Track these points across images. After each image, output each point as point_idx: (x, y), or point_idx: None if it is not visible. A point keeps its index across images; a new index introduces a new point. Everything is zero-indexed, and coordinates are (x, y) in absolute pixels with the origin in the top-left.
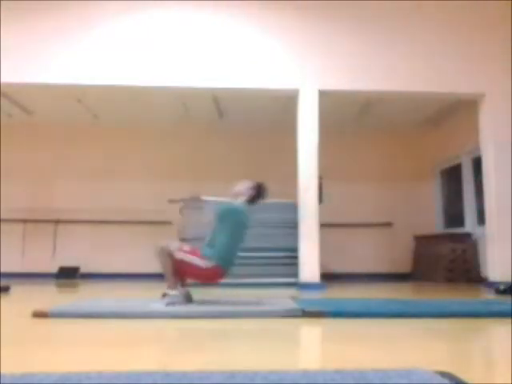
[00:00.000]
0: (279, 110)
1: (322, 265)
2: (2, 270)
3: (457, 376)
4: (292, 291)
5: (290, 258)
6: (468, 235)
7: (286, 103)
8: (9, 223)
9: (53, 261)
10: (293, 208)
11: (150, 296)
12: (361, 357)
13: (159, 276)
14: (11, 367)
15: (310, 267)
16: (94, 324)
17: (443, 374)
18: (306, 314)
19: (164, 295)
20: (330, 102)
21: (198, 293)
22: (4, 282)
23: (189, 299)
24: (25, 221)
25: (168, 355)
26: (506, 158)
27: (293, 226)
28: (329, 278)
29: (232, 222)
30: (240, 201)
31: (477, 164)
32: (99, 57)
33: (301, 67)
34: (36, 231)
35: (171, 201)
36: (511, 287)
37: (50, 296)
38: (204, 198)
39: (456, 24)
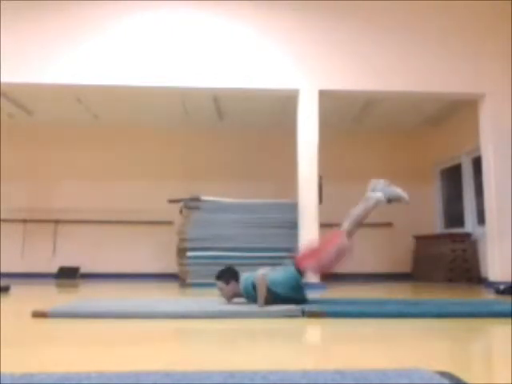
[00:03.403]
0: (279, 110)
1: None
2: (2, 270)
3: (457, 376)
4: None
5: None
6: (468, 235)
7: (286, 103)
8: (9, 223)
9: (53, 261)
10: (293, 208)
11: (150, 296)
12: (361, 357)
13: (159, 276)
14: (11, 367)
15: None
16: (94, 324)
17: (443, 374)
18: (306, 314)
19: None
20: (330, 102)
21: (198, 292)
22: (4, 282)
23: None
24: (25, 221)
25: (168, 355)
26: (506, 158)
27: (293, 226)
28: (329, 278)
29: None
30: None
31: (477, 164)
32: (99, 57)
33: (301, 67)
34: (36, 231)
35: (171, 201)
36: (511, 287)
37: (49, 296)
38: (204, 198)
39: (456, 24)
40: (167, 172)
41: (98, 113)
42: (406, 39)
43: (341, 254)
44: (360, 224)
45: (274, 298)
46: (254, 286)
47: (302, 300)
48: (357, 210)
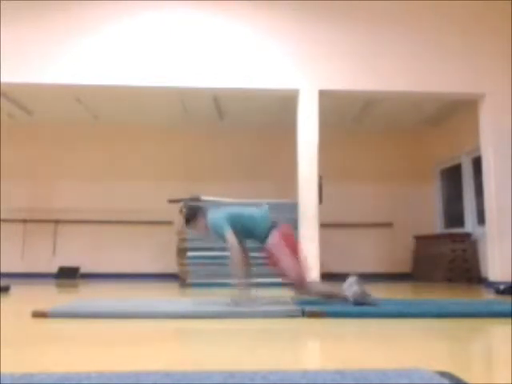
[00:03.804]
0: (279, 109)
1: (322, 265)
2: (2, 270)
3: (457, 376)
4: (292, 291)
5: None
6: (468, 235)
7: (286, 103)
8: (9, 223)
9: (53, 261)
10: (293, 208)
11: (150, 296)
12: (361, 357)
13: (159, 276)
14: (11, 367)
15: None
16: (94, 324)
17: (443, 374)
18: (306, 314)
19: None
20: (330, 102)
21: (198, 292)
22: (4, 282)
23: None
24: (25, 221)
25: (168, 355)
26: (506, 158)
27: (293, 226)
28: (329, 277)
29: None
30: None
31: (477, 164)
32: (99, 57)
33: (301, 67)
34: (36, 231)
35: (171, 201)
36: (511, 287)
37: (49, 296)
38: (204, 197)
39: (456, 24)
40: (167, 172)
41: (98, 113)
42: (406, 39)
43: (289, 272)
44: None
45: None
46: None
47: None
48: (328, 287)
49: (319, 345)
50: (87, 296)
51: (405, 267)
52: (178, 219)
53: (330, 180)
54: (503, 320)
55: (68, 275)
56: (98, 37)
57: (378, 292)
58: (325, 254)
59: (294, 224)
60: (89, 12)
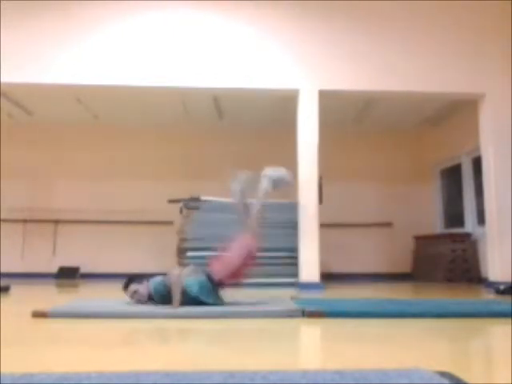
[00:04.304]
0: (279, 109)
1: (322, 265)
2: (2, 270)
3: (457, 376)
4: (292, 291)
5: (290, 258)
6: (468, 235)
7: (286, 103)
8: (9, 223)
9: (53, 261)
10: (293, 208)
11: None
12: (361, 357)
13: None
14: (11, 367)
15: (309, 267)
16: (94, 324)
17: (443, 374)
18: (306, 314)
19: None
20: (330, 102)
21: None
22: (4, 282)
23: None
24: (25, 221)
25: (168, 355)
26: (506, 158)
27: (293, 226)
28: (329, 277)
29: None
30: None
31: (477, 164)
32: (99, 57)
33: (301, 67)
34: (36, 231)
35: (171, 201)
36: (511, 287)
37: (49, 296)
38: (204, 197)
39: (456, 24)
40: (167, 172)
41: (98, 113)
42: (406, 39)
43: (246, 256)
44: (261, 220)
45: (187, 298)
46: (165, 287)
47: (214, 304)
48: (254, 209)
49: (319, 345)
50: (87, 296)
51: (405, 267)
52: (178, 219)
53: (330, 180)
54: (503, 320)
55: (68, 275)
56: (98, 37)
57: (378, 292)
58: (325, 254)
59: (294, 224)
60: (89, 12)
